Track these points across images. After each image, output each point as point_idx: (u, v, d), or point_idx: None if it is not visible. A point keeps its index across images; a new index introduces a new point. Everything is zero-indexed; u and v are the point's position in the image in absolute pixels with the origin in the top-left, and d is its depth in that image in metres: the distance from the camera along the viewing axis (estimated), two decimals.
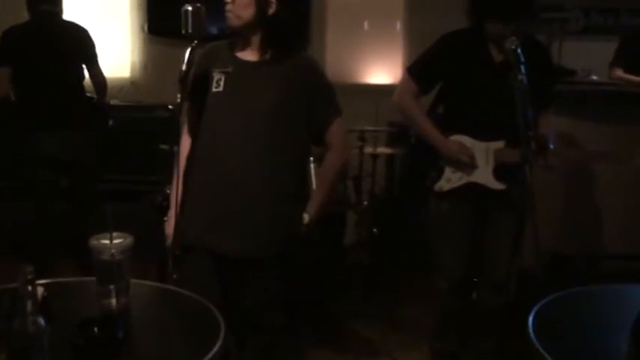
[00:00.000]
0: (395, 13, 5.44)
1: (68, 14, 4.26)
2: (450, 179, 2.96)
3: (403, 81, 3.08)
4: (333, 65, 5.25)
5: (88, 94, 4.17)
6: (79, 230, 3.95)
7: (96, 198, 4.11)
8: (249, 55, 2.40)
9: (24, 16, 4.03)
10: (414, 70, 3.02)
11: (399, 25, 5.45)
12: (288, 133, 2.39)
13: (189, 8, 2.24)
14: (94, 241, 1.73)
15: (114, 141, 4.56)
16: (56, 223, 4.06)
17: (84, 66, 4.06)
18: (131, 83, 5.42)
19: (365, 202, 4.52)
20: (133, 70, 5.46)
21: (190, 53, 2.28)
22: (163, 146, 3.85)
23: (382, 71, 5.44)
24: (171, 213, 2.44)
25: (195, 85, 2.39)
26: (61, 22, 4.07)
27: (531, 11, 2.81)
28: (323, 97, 2.45)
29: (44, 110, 3.91)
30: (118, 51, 5.44)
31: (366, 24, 5.46)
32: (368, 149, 4.35)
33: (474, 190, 2.94)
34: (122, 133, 4.68)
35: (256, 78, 2.38)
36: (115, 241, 1.73)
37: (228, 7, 2.31)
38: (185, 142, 2.54)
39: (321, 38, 5.38)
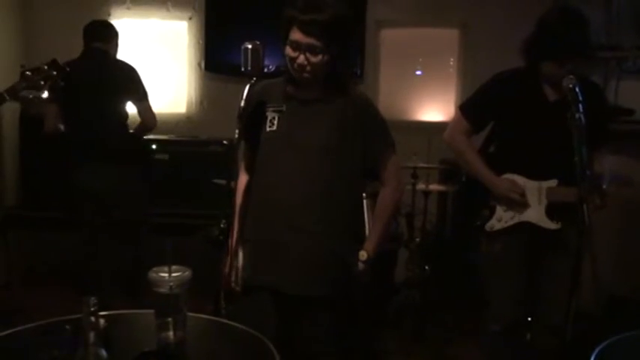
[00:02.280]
0: (449, 50, 5.45)
1: (128, 51, 4.40)
2: (502, 218, 2.94)
3: (455, 119, 3.08)
4: (387, 102, 5.29)
5: (131, 131, 4.26)
6: (123, 264, 4.03)
7: (141, 233, 4.20)
8: (302, 93, 2.42)
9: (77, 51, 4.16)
10: (467, 108, 3.03)
11: (452, 63, 5.47)
12: (343, 171, 2.40)
13: (249, 46, 2.29)
14: (152, 274, 1.77)
15: (170, 175, 4.67)
16: (104, 256, 4.13)
17: (131, 103, 4.17)
18: (187, 118, 5.54)
19: (417, 239, 4.49)
20: (189, 105, 5.59)
21: (249, 90, 2.33)
22: (218, 180, 3.92)
23: (435, 109, 5.45)
24: (229, 250, 2.47)
25: (250, 123, 2.43)
26: (109, 59, 4.18)
27: (587, 52, 2.79)
28: (377, 134, 2.47)
29: (89, 145, 4.01)
30: (176, 87, 5.58)
31: (419, 61, 5.50)
32: (420, 186, 4.35)
33: (526, 229, 2.90)
34: (178, 167, 4.79)
35: (310, 116, 2.40)
36: (174, 274, 1.77)
37: (307, 69, 2.31)
38: (242, 180, 2.58)
39: (374, 75, 5.42)
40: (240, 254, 2.47)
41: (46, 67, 3.13)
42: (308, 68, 2.31)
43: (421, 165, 4.34)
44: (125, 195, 4.06)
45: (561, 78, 2.60)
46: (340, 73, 2.41)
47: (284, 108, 2.42)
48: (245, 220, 2.50)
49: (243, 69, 2.31)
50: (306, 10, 2.25)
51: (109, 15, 5.36)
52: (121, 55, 4.27)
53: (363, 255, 2.43)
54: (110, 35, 4.20)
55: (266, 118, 2.42)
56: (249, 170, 2.53)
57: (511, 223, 2.92)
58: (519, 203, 2.89)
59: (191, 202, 4.70)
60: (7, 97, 2.98)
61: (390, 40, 5.48)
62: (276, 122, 2.41)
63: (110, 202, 4.06)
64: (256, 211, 2.46)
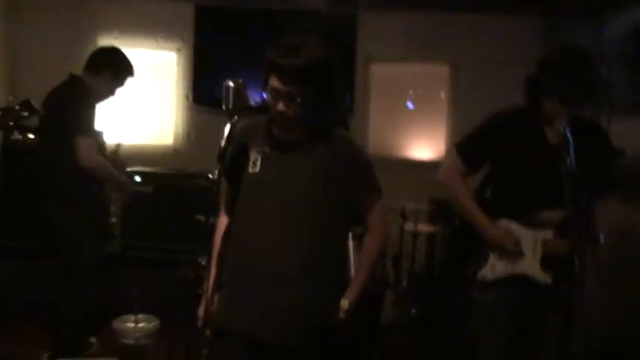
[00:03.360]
0: (440, 86, 5.42)
1: None
2: (495, 268, 2.79)
3: (450, 158, 2.92)
4: (376, 137, 5.25)
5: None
6: (77, 307, 3.86)
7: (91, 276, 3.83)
8: (286, 135, 2.34)
9: None
10: (463, 147, 2.88)
11: (443, 98, 5.41)
12: (326, 216, 2.31)
13: (231, 84, 2.22)
14: (118, 324, 1.67)
15: (152, 208, 4.56)
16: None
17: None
18: (174, 151, 5.46)
19: (404, 282, 4.37)
20: (176, 137, 5.52)
21: (230, 129, 2.25)
22: (198, 217, 3.81)
23: (425, 145, 5.39)
24: (205, 293, 2.36)
25: (232, 163, 2.34)
26: (70, 89, 3.86)
27: (592, 93, 2.69)
28: (363, 179, 2.38)
29: (38, 183, 3.84)
30: (163, 119, 5.51)
31: (409, 96, 5.44)
32: (408, 226, 4.25)
33: (520, 281, 2.76)
34: (161, 200, 4.68)
35: (293, 160, 2.32)
36: (140, 325, 1.67)
37: (287, 114, 2.23)
38: (222, 221, 2.48)
39: (364, 110, 5.37)
40: (216, 298, 2.36)
41: (17, 108, 3.07)
42: (289, 113, 2.23)
43: (410, 205, 4.25)
44: (67, 237, 3.78)
45: (560, 119, 2.50)
46: (323, 117, 2.32)
47: (267, 150, 2.33)
48: (223, 264, 2.39)
49: (224, 107, 2.23)
50: (284, 54, 2.16)
51: (95, 43, 5.29)
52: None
53: (344, 304, 2.32)
54: (95, 64, 3.95)
55: (249, 159, 2.33)
56: (230, 212, 2.43)
57: (504, 274, 2.79)
58: (513, 253, 2.75)
59: (172, 236, 4.57)
60: None
61: (381, 76, 5.44)
62: (259, 164, 2.32)
63: (59, 243, 3.81)
64: (235, 255, 2.35)
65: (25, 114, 3.12)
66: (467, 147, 2.87)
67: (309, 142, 2.32)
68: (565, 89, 2.62)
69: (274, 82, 2.19)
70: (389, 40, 5.34)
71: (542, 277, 2.74)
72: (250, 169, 2.32)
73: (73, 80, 3.90)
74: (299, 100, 2.19)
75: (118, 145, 4.13)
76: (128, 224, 4.48)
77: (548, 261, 2.73)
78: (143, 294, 1.69)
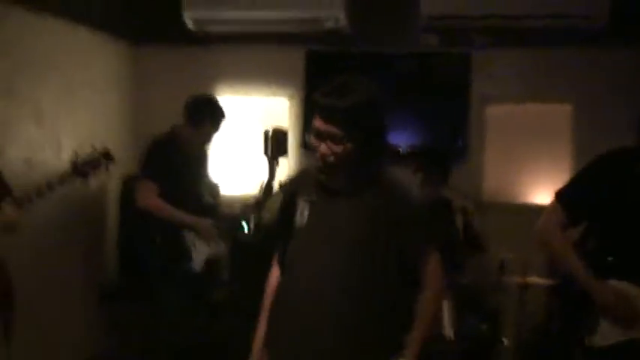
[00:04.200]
0: (562, 128, 5.11)
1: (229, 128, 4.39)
2: (607, 334, 2.45)
3: (550, 208, 2.65)
4: (492, 183, 5.00)
5: None
6: None
7: None
8: (332, 183, 2.23)
9: None
10: (565, 195, 2.61)
11: (566, 141, 5.09)
12: (374, 272, 2.16)
13: (270, 130, 2.16)
14: None
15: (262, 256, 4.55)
16: None
17: None
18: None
19: (505, 341, 4.01)
20: None
21: (269, 176, 2.19)
22: None
23: (546, 191, 5.03)
24: (253, 350, 2.33)
25: (282, 215, 2.28)
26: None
27: None
28: (415, 230, 2.22)
29: None
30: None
31: (529, 139, 5.16)
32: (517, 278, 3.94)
33: (638, 349, 2.43)
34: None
35: (340, 207, 2.21)
36: None
37: (330, 159, 2.15)
38: (273, 274, 2.40)
39: (479, 154, 5.15)
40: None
41: (97, 156, 3.21)
42: (331, 158, 2.13)
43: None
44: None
45: None
46: (370, 163, 2.21)
47: (314, 198, 2.24)
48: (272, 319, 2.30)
49: (264, 153, 2.18)
50: (328, 95, 2.10)
51: (213, 92, 5.41)
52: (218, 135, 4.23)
53: None
54: (189, 114, 4.14)
55: (297, 208, 2.25)
56: (281, 264, 2.35)
57: (619, 339, 2.44)
58: (628, 317, 2.44)
59: None
60: (35, 198, 3.08)
61: (497, 117, 5.21)
62: (306, 214, 2.23)
63: None
64: (279, 316, 2.27)
65: (104, 162, 3.29)
66: (569, 195, 2.60)
67: (356, 187, 2.20)
68: None
69: (317, 122, 2.13)
70: (505, 80, 5.11)
71: None
72: (298, 220, 2.23)
73: (169, 132, 4.11)
74: (342, 142, 2.09)
75: None
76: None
77: None
78: None
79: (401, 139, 5.07)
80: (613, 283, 2.49)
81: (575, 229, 2.65)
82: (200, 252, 4.09)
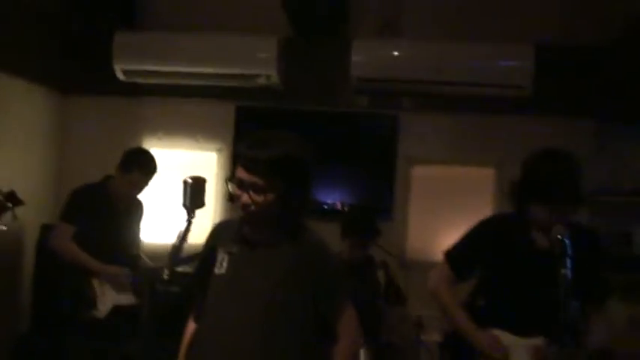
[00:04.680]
0: (484, 189, 5.23)
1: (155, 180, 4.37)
2: None
3: (440, 265, 2.86)
4: (415, 241, 5.06)
5: None
6: None
7: None
8: (253, 235, 2.23)
9: None
10: (451, 255, 2.83)
11: (487, 202, 5.21)
12: (286, 321, 2.16)
13: (189, 180, 2.18)
14: None
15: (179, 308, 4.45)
16: None
17: None
18: None
19: None
20: None
21: (185, 227, 2.20)
22: None
23: None
24: None
25: (200, 266, 2.28)
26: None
27: (578, 196, 2.59)
28: (331, 286, 2.26)
29: None
30: (201, 218, 5.45)
31: (453, 200, 5.26)
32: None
33: None
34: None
35: (258, 261, 2.21)
36: None
37: (251, 208, 2.15)
38: (189, 328, 2.39)
39: (404, 212, 5.23)
40: None
41: (1, 198, 3.20)
42: (252, 207, 2.14)
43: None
44: None
45: (550, 224, 2.42)
46: (290, 216, 2.23)
47: (235, 250, 2.23)
48: None
49: (181, 203, 2.18)
50: (252, 147, 2.13)
51: (141, 144, 5.37)
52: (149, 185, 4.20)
53: None
54: (124, 163, 4.13)
55: (216, 259, 2.23)
56: (196, 316, 2.33)
57: None
58: None
59: None
60: None
61: (422, 178, 5.31)
62: (225, 264, 2.22)
63: None
64: None
65: (9, 205, 3.25)
66: (455, 254, 2.82)
67: (276, 239, 2.21)
68: (548, 194, 2.55)
69: (239, 172, 2.14)
70: (431, 142, 5.24)
71: None
72: (217, 270, 2.22)
73: (99, 181, 4.16)
74: (263, 192, 2.11)
75: None
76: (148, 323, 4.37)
77: None
78: None
79: (327, 196, 5.11)
80: (496, 331, 2.68)
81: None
82: (107, 299, 4.00)
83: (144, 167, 4.12)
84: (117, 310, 4.01)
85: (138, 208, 4.35)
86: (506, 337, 2.67)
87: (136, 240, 4.35)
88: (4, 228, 3.26)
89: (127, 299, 4.07)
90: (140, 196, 4.32)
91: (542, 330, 2.60)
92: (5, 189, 3.30)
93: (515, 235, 2.70)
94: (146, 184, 4.17)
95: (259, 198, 2.12)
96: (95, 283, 3.98)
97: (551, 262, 2.44)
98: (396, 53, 5.02)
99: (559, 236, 2.39)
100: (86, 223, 3.98)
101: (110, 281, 4.01)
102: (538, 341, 2.63)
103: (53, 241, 3.98)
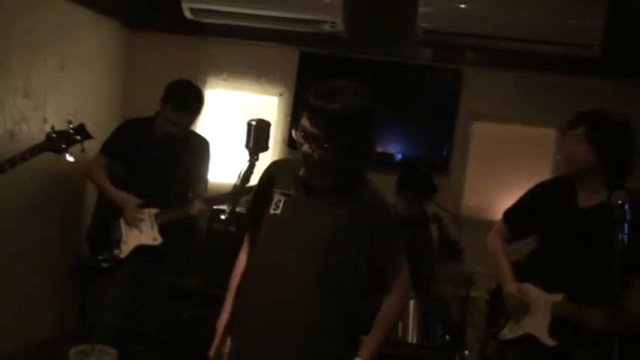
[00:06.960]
0: (545, 151, 5.15)
1: (218, 120, 4.38)
2: (512, 328, 2.84)
3: (497, 224, 3.05)
4: (470, 198, 5.04)
5: None
6: None
7: None
8: (313, 180, 2.25)
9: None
10: (507, 214, 3.01)
11: (547, 164, 5.14)
12: (339, 270, 2.19)
13: (253, 123, 2.17)
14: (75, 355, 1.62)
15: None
16: None
17: None
18: None
19: (466, 352, 4.04)
20: None
21: (247, 169, 2.17)
22: None
23: None
24: (217, 332, 2.32)
25: (255, 202, 2.27)
26: None
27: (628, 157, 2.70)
28: (387, 237, 2.26)
29: None
30: (260, 161, 5.52)
31: (512, 159, 5.19)
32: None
33: (535, 343, 2.74)
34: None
35: (316, 207, 2.23)
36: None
37: (312, 158, 2.17)
38: (241, 260, 2.43)
39: (461, 168, 5.20)
40: (228, 341, 2.29)
41: (71, 131, 3.20)
42: (314, 157, 2.14)
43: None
44: None
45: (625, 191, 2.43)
46: (351, 168, 2.23)
47: (292, 192, 2.25)
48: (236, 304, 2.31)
49: (245, 146, 2.18)
50: (319, 96, 2.10)
51: (205, 83, 5.43)
52: (204, 124, 4.24)
53: None
54: (163, 97, 4.11)
55: (272, 199, 2.25)
56: (249, 252, 2.36)
57: (518, 334, 2.82)
58: (524, 314, 2.77)
59: None
60: (8, 168, 3.03)
61: (482, 134, 5.24)
62: (281, 205, 2.24)
63: None
64: (246, 300, 2.27)
65: (78, 138, 3.29)
66: (510, 213, 3.00)
67: (336, 191, 2.22)
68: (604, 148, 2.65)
69: (304, 121, 2.14)
70: (493, 99, 5.16)
71: (547, 340, 2.69)
72: (272, 210, 2.24)
73: (149, 116, 4.19)
74: (326, 145, 2.10)
75: None
76: (207, 262, 4.50)
77: (560, 326, 2.70)
78: None
79: (385, 147, 5.11)
80: (525, 284, 2.83)
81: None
82: (130, 239, 4.05)
83: (175, 102, 4.00)
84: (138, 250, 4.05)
85: (197, 147, 4.30)
86: (533, 291, 2.81)
87: (194, 179, 4.29)
88: (72, 160, 3.32)
89: (150, 239, 4.06)
90: (205, 136, 4.34)
91: (564, 287, 2.70)
92: (75, 122, 3.37)
93: (560, 194, 2.80)
94: (186, 120, 4.06)
95: (320, 150, 2.14)
96: (122, 222, 4.06)
97: (587, 222, 2.56)
98: (463, 6, 4.91)
99: (619, 201, 2.39)
100: (123, 156, 4.08)
101: (124, 213, 4.03)
102: (558, 297, 2.72)
103: (86, 170, 4.13)
